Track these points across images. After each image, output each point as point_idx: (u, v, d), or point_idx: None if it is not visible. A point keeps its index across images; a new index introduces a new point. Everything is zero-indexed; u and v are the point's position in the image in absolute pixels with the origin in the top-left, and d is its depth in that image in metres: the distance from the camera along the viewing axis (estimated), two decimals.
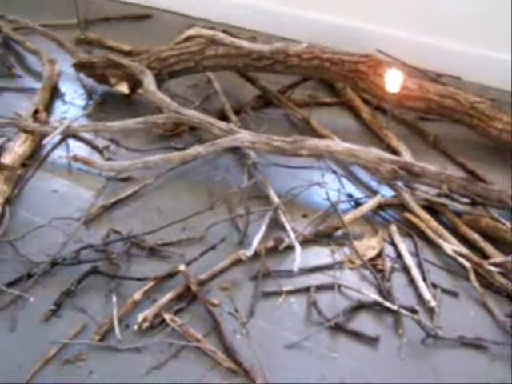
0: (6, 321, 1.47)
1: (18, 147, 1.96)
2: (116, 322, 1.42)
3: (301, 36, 2.46)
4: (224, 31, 2.70)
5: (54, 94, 2.36)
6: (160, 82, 2.15)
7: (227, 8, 2.88)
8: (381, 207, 1.78)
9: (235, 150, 1.99)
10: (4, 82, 2.47)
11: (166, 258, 1.63)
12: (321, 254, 1.65)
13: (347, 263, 1.61)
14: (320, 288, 1.53)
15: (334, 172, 1.93)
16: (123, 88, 2.20)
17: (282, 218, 1.68)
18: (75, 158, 1.82)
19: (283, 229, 1.65)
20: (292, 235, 1.60)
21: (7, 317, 1.48)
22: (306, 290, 1.52)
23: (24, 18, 2.71)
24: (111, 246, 1.65)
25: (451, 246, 1.62)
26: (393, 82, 1.90)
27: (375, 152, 1.74)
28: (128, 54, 2.62)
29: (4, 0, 3.00)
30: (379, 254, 1.63)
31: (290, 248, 1.60)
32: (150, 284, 1.53)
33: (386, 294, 1.50)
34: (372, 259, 1.61)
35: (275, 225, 1.69)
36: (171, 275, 1.55)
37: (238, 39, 2.11)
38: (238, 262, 1.60)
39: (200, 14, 2.96)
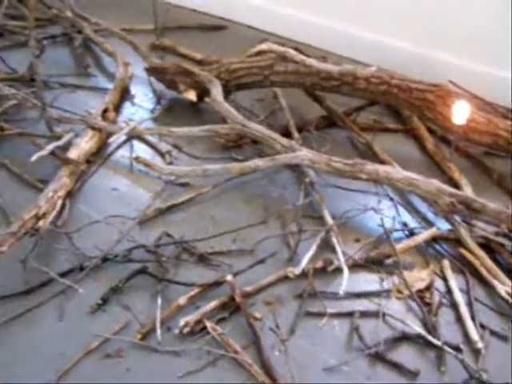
0: (54, 309, 1.52)
1: (85, 143, 2.02)
2: (158, 324, 1.44)
3: (371, 59, 2.45)
4: (295, 48, 2.74)
5: (125, 95, 2.44)
6: (227, 93, 2.18)
7: (300, 26, 2.90)
8: (435, 240, 1.75)
9: (294, 167, 2.00)
10: (79, 80, 2.57)
11: (215, 267, 1.65)
12: (369, 280, 1.63)
13: (395, 292, 1.59)
14: (364, 314, 1.51)
15: (391, 199, 1.91)
16: (191, 95, 2.24)
17: (334, 239, 1.67)
18: (137, 159, 1.87)
19: (333, 251, 1.64)
20: (342, 258, 1.59)
21: (56, 305, 1.53)
22: (350, 314, 1.51)
23: (105, 22, 2.82)
24: (162, 248, 1.68)
25: (505, 287, 1.57)
26: (460, 113, 1.87)
27: (435, 183, 1.71)
28: (199, 62, 2.67)
29: (90, 4, 3.11)
30: (428, 287, 1.60)
31: (338, 270, 1.58)
32: (195, 290, 1.54)
33: (431, 328, 1.46)
34: (420, 291, 1.58)
35: (326, 246, 1.69)
36: (217, 284, 1.56)
37: (308, 57, 2.12)
38: (284, 278, 1.59)
39: (274, 29, 2.99)
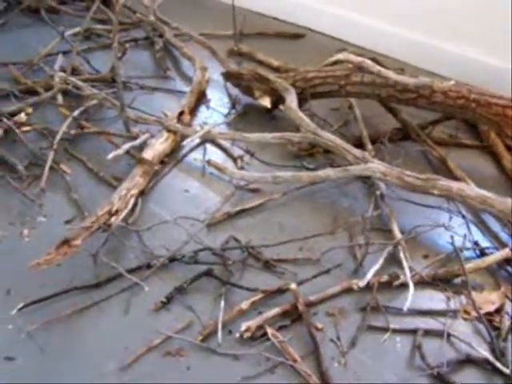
0: (120, 304, 1.56)
1: (160, 144, 2.06)
2: (220, 326, 1.46)
3: (449, 72, 2.40)
4: (372, 59, 2.71)
5: (201, 98, 2.47)
6: (302, 101, 2.19)
7: (378, 36, 2.87)
8: (508, 261, 1.68)
9: (365, 179, 1.97)
10: (158, 83, 2.63)
11: (279, 274, 1.65)
12: (435, 299, 1.59)
13: (461, 313, 1.54)
14: (428, 333, 1.47)
15: (463, 216, 1.86)
16: (266, 102, 2.25)
17: (401, 254, 1.64)
18: (209, 163, 1.90)
19: (400, 265, 1.61)
20: (408, 274, 1.56)
21: (123, 300, 1.57)
22: (413, 331, 1.47)
23: (185, 26, 2.88)
24: (228, 252, 1.69)
25: None
26: None
27: (510, 203, 1.65)
28: (276, 69, 2.69)
29: (172, 8, 3.19)
30: (498, 310, 1.54)
31: (403, 286, 1.55)
32: (258, 296, 1.55)
33: (500, 354, 1.41)
34: (489, 314, 1.53)
35: (393, 260, 1.66)
36: (281, 291, 1.57)
37: (384, 69, 2.09)
38: (349, 290, 1.58)
39: (351, 38, 2.97)
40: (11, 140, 2.18)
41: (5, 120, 2.18)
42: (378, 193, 1.87)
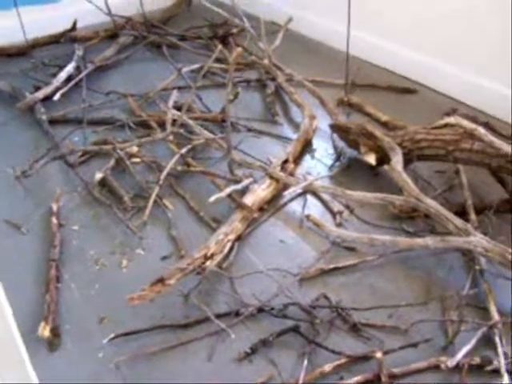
0: (206, 348, 1.60)
1: (262, 191, 2.10)
2: None
3: None
4: (485, 123, 2.64)
5: (306, 147, 2.49)
6: (408, 161, 2.16)
7: (492, 97, 2.79)
8: None
9: (465, 250, 1.91)
10: (265, 127, 2.68)
11: (365, 339, 1.62)
12: None
13: None
14: None
15: None
16: (371, 159, 2.24)
17: (497, 338, 1.57)
18: (308, 218, 1.91)
19: (495, 349, 1.54)
20: (503, 360, 1.49)
21: (208, 345, 1.60)
22: None
23: (298, 71, 2.93)
24: (318, 310, 1.69)
25: None
26: None
27: None
28: (384, 124, 2.67)
29: (287, 51, 3.26)
30: None
31: (496, 372, 1.49)
32: (342, 360, 1.53)
33: None
34: None
35: (487, 342, 1.58)
36: (365, 358, 1.54)
37: (497, 139, 2.02)
38: (435, 367, 1.52)
39: (465, 98, 2.90)
40: (121, 170, 2.30)
41: (118, 150, 2.29)
42: (477, 267, 1.80)
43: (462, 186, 2.21)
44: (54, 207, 2.09)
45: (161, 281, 1.63)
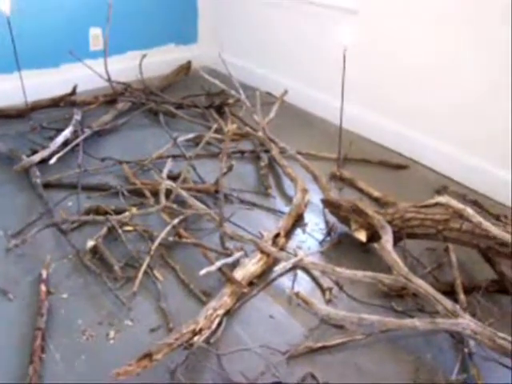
0: None
1: (252, 265, 2.10)
2: None
3: None
4: (474, 202, 2.69)
5: (298, 221, 2.51)
6: (398, 239, 2.18)
7: (483, 177, 2.84)
8: None
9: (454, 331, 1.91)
10: (258, 199, 2.70)
11: None
12: None
13: None
14: None
15: None
16: (361, 236, 2.26)
17: None
18: (297, 295, 1.90)
19: None
20: None
21: None
22: None
23: (291, 144, 2.99)
24: None
25: None
26: None
27: None
28: (375, 199, 2.71)
29: (281, 126, 3.33)
30: None
31: None
32: None
33: None
34: None
35: None
36: None
37: (485, 220, 2.05)
38: None
39: (456, 176, 2.96)
40: (113, 238, 2.30)
41: (110, 218, 2.30)
42: (466, 350, 1.80)
43: (451, 265, 2.22)
44: (44, 274, 2.09)
45: (148, 356, 1.61)
